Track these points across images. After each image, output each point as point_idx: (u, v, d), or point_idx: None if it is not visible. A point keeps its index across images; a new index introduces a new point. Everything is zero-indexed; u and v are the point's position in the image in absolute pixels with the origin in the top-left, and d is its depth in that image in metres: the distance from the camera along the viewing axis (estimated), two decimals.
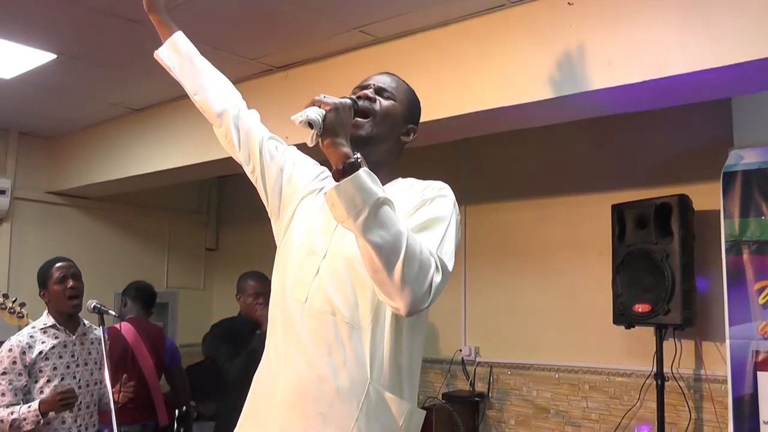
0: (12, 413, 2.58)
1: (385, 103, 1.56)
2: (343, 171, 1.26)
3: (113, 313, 2.84)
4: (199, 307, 5.76)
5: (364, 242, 1.24)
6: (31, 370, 2.70)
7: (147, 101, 4.21)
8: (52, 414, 2.63)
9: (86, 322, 2.95)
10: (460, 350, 4.30)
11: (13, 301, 3.16)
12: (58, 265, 2.88)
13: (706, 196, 3.23)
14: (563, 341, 3.88)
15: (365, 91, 1.56)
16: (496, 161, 4.29)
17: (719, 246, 3.00)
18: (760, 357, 2.82)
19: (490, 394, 4.17)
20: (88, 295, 2.90)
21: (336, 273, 1.45)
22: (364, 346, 1.40)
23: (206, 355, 3.81)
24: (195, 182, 5.63)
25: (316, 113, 1.30)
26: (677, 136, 3.54)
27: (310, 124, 1.29)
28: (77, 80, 3.81)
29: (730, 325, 2.90)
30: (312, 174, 1.67)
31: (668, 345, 3.35)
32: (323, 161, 1.51)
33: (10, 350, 2.69)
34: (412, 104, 1.64)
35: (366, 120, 1.52)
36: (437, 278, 1.27)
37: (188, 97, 1.77)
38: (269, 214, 1.70)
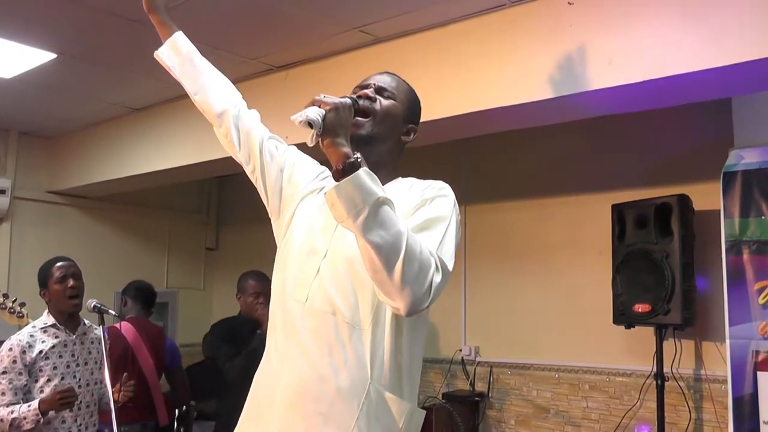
0: (12, 412, 2.58)
1: (386, 102, 1.56)
2: (343, 171, 1.26)
3: (113, 312, 2.84)
4: (199, 307, 5.76)
5: (363, 242, 1.24)
6: (31, 370, 2.70)
7: (147, 101, 4.21)
8: (52, 413, 2.63)
9: (86, 321, 2.96)
10: (460, 350, 4.30)
11: (13, 301, 3.16)
12: (58, 264, 2.88)
13: (706, 196, 3.23)
14: (563, 341, 3.88)
15: (365, 91, 1.55)
16: (496, 161, 4.28)
17: (719, 246, 3.00)
18: (760, 357, 2.82)
19: (490, 394, 4.17)
20: (88, 294, 2.90)
21: (336, 273, 1.45)
22: (364, 346, 1.40)
23: (206, 355, 3.81)
24: (195, 182, 5.63)
25: (315, 113, 1.30)
26: (677, 136, 3.54)
27: (310, 124, 1.29)
28: (77, 80, 3.81)
29: (730, 325, 2.90)
30: (312, 174, 1.67)
31: (668, 345, 3.34)
32: (323, 161, 1.51)
33: (11, 349, 2.69)
34: (412, 104, 1.64)
35: (366, 119, 1.52)
36: (437, 278, 1.27)
37: (188, 97, 1.77)
38: (269, 214, 1.69)
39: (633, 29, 2.41)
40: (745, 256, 2.91)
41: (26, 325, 2.90)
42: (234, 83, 1.78)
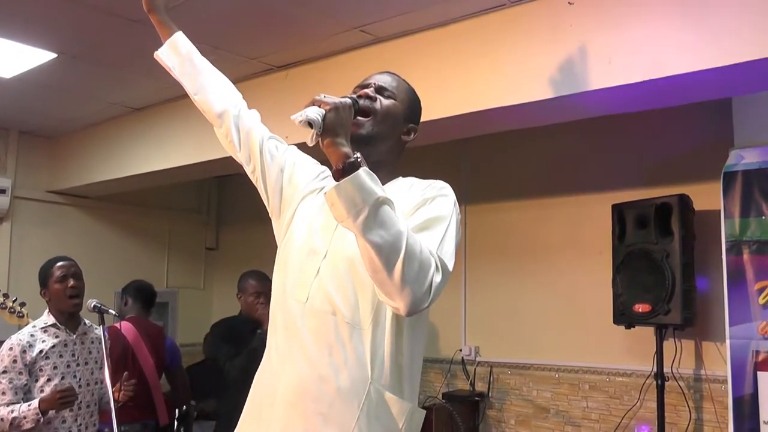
0: (12, 412, 2.59)
1: (386, 102, 1.56)
2: (343, 170, 1.26)
3: (113, 312, 2.84)
4: (199, 307, 5.76)
5: (363, 242, 1.24)
6: (32, 369, 2.70)
7: (147, 101, 4.21)
8: (52, 412, 2.63)
9: (87, 321, 2.96)
10: (460, 350, 4.30)
11: (14, 301, 3.16)
12: (59, 264, 2.88)
13: (707, 196, 3.23)
14: (563, 341, 3.88)
15: (366, 90, 1.55)
16: (496, 161, 4.28)
17: (719, 246, 3.00)
18: (761, 357, 2.82)
19: (490, 394, 4.17)
20: (88, 294, 2.90)
21: (337, 273, 1.45)
22: (364, 346, 1.40)
23: (207, 355, 3.81)
24: (195, 182, 5.63)
25: (315, 113, 1.30)
26: (677, 136, 3.54)
27: (310, 124, 1.29)
28: (77, 79, 3.81)
29: (730, 325, 2.90)
30: (312, 173, 1.67)
31: (668, 345, 3.34)
32: (323, 161, 1.51)
33: (11, 349, 2.69)
34: (412, 103, 1.64)
35: (367, 119, 1.52)
36: (437, 278, 1.27)
37: (188, 96, 1.76)
38: (270, 214, 1.69)
39: (633, 29, 2.41)
40: (746, 256, 2.91)
41: (26, 324, 2.90)
42: (234, 83, 1.78)
